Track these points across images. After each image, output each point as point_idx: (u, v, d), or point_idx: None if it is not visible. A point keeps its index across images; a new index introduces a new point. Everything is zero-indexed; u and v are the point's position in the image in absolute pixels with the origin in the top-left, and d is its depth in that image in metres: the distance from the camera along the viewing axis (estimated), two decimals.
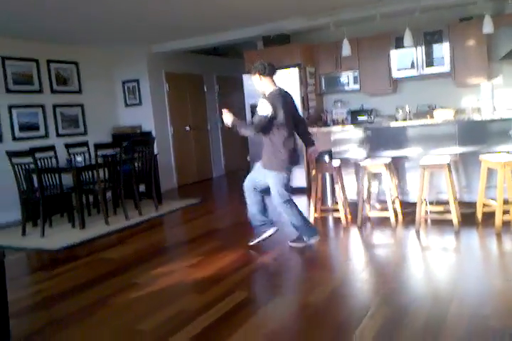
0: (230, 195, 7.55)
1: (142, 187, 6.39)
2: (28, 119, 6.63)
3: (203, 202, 6.63)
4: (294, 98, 4.16)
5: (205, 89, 9.01)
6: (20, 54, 6.50)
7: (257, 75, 3.94)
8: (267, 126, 3.84)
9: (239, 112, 3.96)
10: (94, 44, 7.35)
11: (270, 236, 4.17)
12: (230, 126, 3.94)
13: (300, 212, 4.06)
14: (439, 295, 2.89)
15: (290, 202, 4.02)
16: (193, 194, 7.34)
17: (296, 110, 4.17)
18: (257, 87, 4.02)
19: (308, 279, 3.37)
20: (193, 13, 5.85)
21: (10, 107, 6.36)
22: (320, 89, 7.12)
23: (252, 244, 4.19)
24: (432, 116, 5.04)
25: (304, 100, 6.80)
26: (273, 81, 3.98)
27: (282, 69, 6.64)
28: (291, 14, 6.30)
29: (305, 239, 4.08)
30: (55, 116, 6.97)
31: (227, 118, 3.92)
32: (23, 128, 6.52)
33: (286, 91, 4.05)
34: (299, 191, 6.58)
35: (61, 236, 5.12)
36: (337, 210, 4.76)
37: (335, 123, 6.79)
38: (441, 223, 4.38)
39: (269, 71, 3.93)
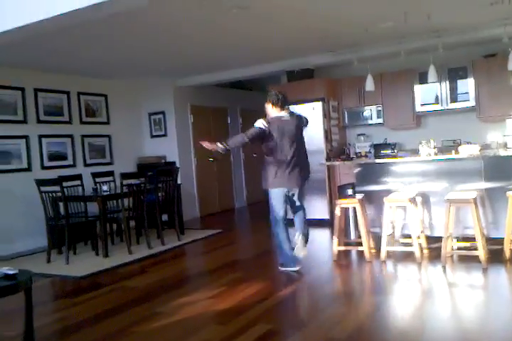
0: (252, 226, 7.55)
1: (165, 217, 6.44)
2: (57, 149, 6.81)
3: (224, 232, 6.64)
4: (304, 123, 4.45)
5: (229, 121, 9.18)
6: (52, 86, 6.76)
7: (270, 104, 4.32)
8: (257, 137, 4.13)
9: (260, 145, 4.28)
10: (123, 78, 7.61)
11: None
12: (220, 148, 4.13)
13: (286, 238, 4.27)
14: (466, 334, 2.80)
15: (279, 221, 4.26)
16: (215, 224, 7.36)
17: (300, 137, 4.37)
18: (268, 112, 4.37)
19: (332, 313, 3.31)
20: (219, 51, 6.06)
21: (40, 137, 6.56)
22: (343, 122, 7.19)
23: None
24: (456, 151, 5.02)
25: (327, 133, 6.86)
26: (282, 110, 4.30)
27: (306, 103, 6.77)
28: (315, 50, 6.46)
29: (279, 266, 4.34)
30: (83, 146, 7.16)
31: (210, 145, 4.16)
32: (51, 157, 6.70)
33: (288, 118, 4.27)
34: (320, 223, 6.56)
35: (85, 264, 5.17)
36: (360, 244, 4.71)
37: (358, 156, 6.81)
38: (467, 259, 4.29)
39: (281, 103, 4.30)
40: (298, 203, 4.44)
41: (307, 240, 4.40)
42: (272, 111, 4.31)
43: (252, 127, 4.21)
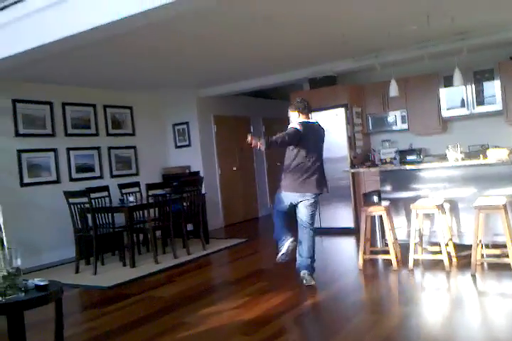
0: None
1: (190, 226, 6.48)
2: (85, 161, 6.95)
3: (249, 241, 6.64)
4: (324, 134, 4.37)
5: (252, 130, 9.20)
6: (79, 100, 6.92)
7: (296, 112, 4.24)
8: (293, 138, 4.00)
9: (284, 154, 4.20)
10: (147, 90, 7.74)
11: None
12: (264, 144, 3.86)
13: (283, 223, 4.28)
14: None
15: (278, 211, 4.33)
16: (240, 233, 7.37)
17: (322, 147, 4.33)
18: (293, 120, 4.28)
19: (360, 323, 3.26)
20: (241, 61, 6.12)
21: (68, 150, 6.71)
22: (367, 128, 7.13)
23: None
24: (485, 156, 4.91)
25: (351, 140, 6.81)
26: (308, 117, 4.26)
27: (329, 110, 6.75)
28: (337, 57, 6.44)
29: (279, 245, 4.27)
30: (109, 157, 7.29)
31: (254, 141, 3.87)
32: (79, 169, 6.84)
33: (316, 126, 4.26)
34: (346, 232, 6.50)
35: (112, 274, 5.23)
36: (387, 252, 4.64)
37: (383, 163, 6.73)
38: (498, 267, 4.18)
39: (308, 110, 4.27)
40: (305, 217, 4.20)
41: (311, 267, 4.23)
42: (300, 119, 4.22)
43: (289, 128, 4.10)
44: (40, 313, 2.96)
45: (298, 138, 4.05)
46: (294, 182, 4.14)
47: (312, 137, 4.15)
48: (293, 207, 4.26)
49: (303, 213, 4.22)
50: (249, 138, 3.87)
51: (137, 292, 4.45)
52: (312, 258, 4.23)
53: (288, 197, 4.20)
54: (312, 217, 4.25)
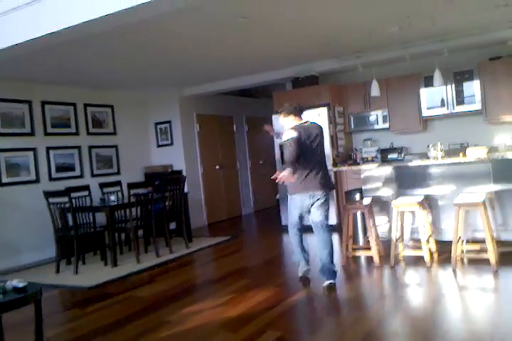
0: (260, 233, 7.53)
1: (173, 225, 6.45)
2: (65, 160, 6.85)
3: (232, 239, 6.63)
4: (322, 131, 4.26)
5: (235, 129, 9.20)
6: (59, 98, 6.81)
7: (291, 116, 4.16)
8: (298, 149, 3.89)
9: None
10: (129, 88, 7.66)
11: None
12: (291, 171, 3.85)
13: (300, 244, 4.17)
14: (478, 337, 2.77)
15: (292, 228, 4.15)
16: (223, 231, 7.36)
17: (322, 145, 4.24)
18: (287, 126, 4.16)
19: (342, 319, 3.29)
20: (224, 60, 6.11)
21: (48, 149, 6.60)
22: (349, 127, 7.18)
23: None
24: (464, 155, 4.99)
25: (333, 139, 6.85)
26: (300, 119, 4.19)
27: (311, 110, 6.76)
28: (319, 57, 6.47)
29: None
30: (90, 156, 7.20)
31: (288, 177, 3.82)
32: (59, 168, 6.74)
33: (311, 125, 4.18)
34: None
35: (94, 274, 5.17)
36: (369, 249, 4.68)
37: (365, 161, 6.79)
38: (478, 262, 4.24)
39: (300, 112, 4.20)
40: (320, 217, 4.04)
41: (334, 273, 4.00)
42: (294, 122, 4.14)
43: (288, 146, 3.90)
44: (20, 314, 2.92)
45: (300, 144, 3.94)
46: (299, 184, 3.99)
47: (308, 137, 4.03)
48: (302, 218, 4.14)
49: (318, 214, 4.04)
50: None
51: (119, 292, 4.41)
52: (333, 262, 4.04)
53: (297, 200, 4.05)
54: (327, 217, 4.08)
